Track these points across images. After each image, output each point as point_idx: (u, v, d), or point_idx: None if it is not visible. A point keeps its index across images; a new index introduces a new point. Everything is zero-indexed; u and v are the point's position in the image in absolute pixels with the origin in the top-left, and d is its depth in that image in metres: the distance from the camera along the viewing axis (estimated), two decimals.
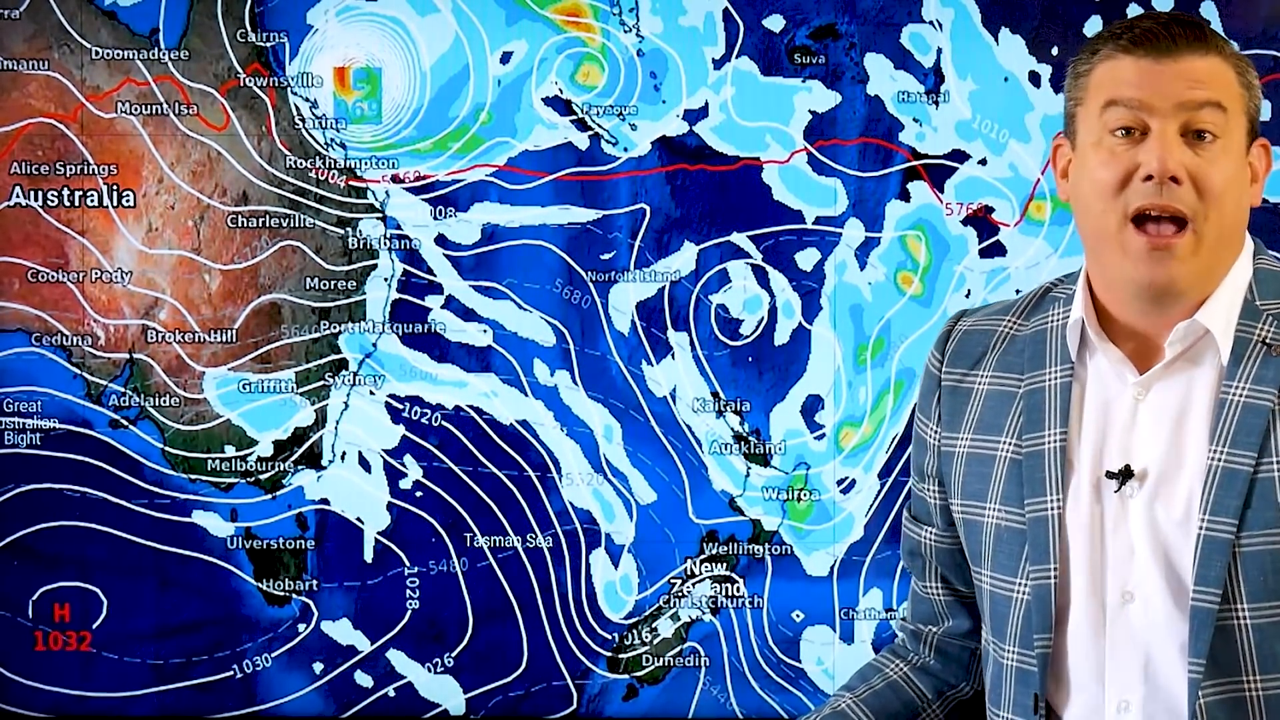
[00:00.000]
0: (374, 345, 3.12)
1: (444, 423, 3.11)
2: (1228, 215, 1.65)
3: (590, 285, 3.11)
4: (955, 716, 1.90)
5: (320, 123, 3.11)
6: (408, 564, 3.12)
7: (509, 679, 3.13)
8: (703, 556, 3.11)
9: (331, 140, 3.11)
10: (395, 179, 3.11)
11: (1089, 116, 1.69)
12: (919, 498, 1.89)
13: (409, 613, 3.13)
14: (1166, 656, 1.64)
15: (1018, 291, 3.05)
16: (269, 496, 3.12)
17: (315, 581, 3.13)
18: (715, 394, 3.11)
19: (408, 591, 3.13)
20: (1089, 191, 1.68)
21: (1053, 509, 1.69)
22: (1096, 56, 1.69)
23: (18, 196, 3.11)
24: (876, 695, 1.87)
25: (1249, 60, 1.69)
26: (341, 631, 3.13)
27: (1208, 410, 1.65)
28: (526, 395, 3.11)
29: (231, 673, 3.13)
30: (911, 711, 1.87)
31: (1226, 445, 1.63)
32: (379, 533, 3.12)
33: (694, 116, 3.09)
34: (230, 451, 3.12)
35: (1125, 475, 1.66)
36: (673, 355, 3.11)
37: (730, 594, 3.11)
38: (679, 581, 3.11)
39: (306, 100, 3.11)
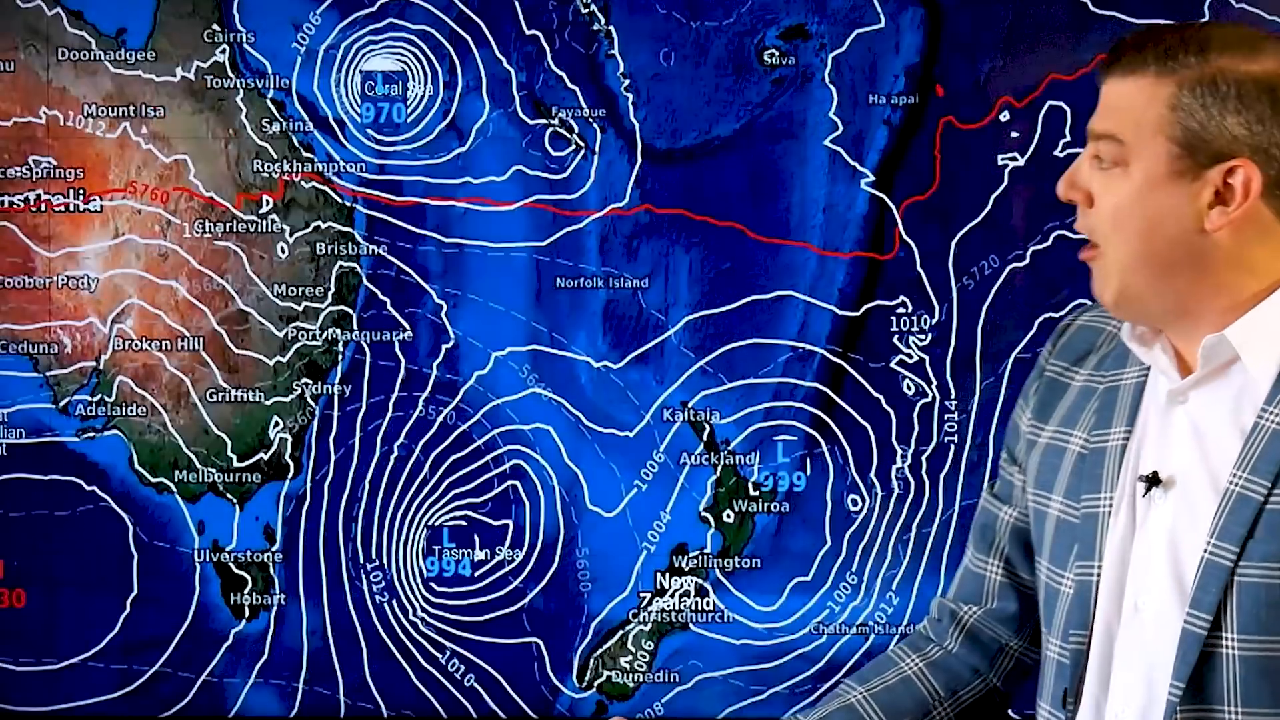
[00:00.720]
0: (346, 354, 3.09)
1: (416, 432, 3.09)
2: (1133, 238, 1.64)
3: (563, 292, 3.07)
4: (966, 717, 1.90)
5: (290, 126, 3.08)
6: (376, 576, 3.11)
7: (478, 693, 3.11)
8: (673, 569, 3.09)
9: (302, 143, 3.08)
10: (368, 183, 3.08)
11: None
12: (1005, 479, 1.91)
13: (378, 625, 3.11)
14: (1164, 673, 1.63)
15: None
16: (238, 508, 3.10)
17: (284, 595, 3.11)
18: (685, 403, 3.08)
19: (377, 601, 3.11)
20: None
21: (1105, 506, 1.70)
22: None
23: None
24: (889, 691, 1.88)
25: (1229, 75, 1.61)
26: (311, 644, 3.11)
27: (1241, 431, 1.63)
28: (498, 404, 3.08)
29: (199, 686, 3.12)
30: (922, 710, 1.88)
31: (1247, 470, 1.60)
32: (348, 544, 3.10)
33: (663, 122, 3.05)
34: (199, 463, 3.10)
35: (1152, 481, 1.66)
36: (644, 363, 3.08)
37: (700, 608, 3.09)
38: (649, 595, 3.10)
39: (276, 103, 3.07)
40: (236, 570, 3.11)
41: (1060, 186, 1.69)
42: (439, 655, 3.12)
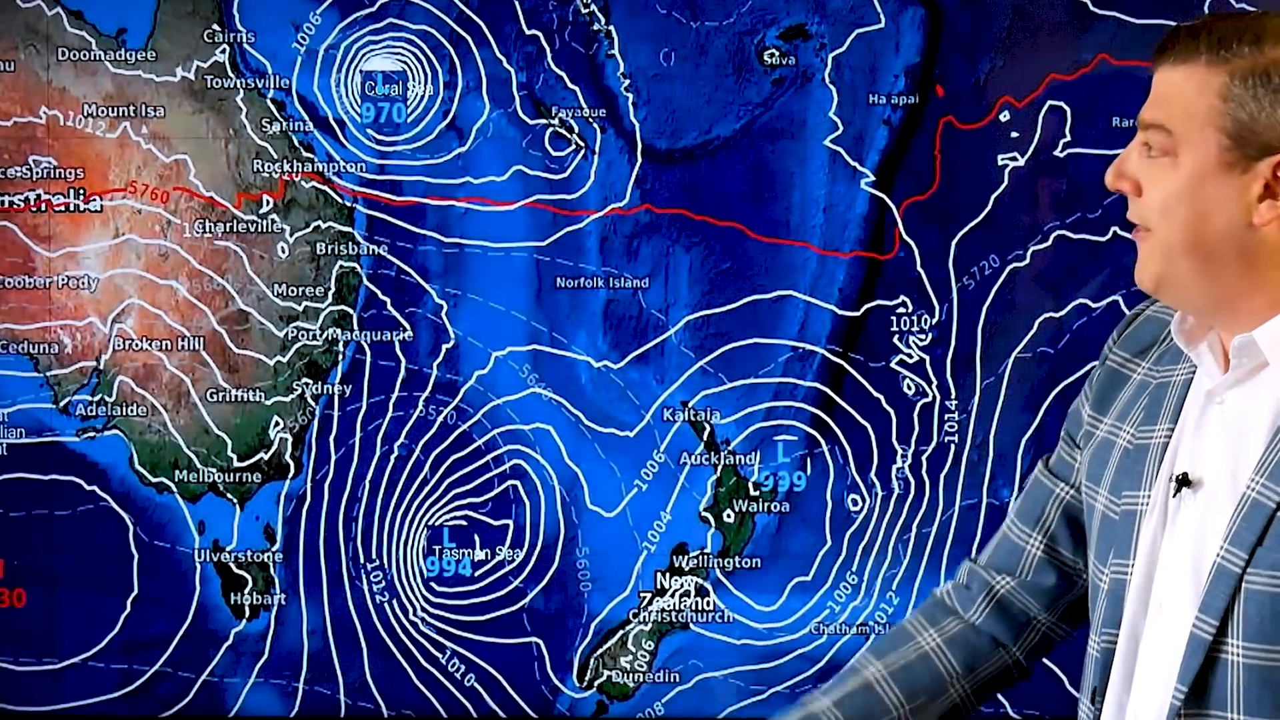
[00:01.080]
0: (346, 353, 3.08)
1: (416, 432, 3.08)
2: (1181, 227, 1.61)
3: (563, 292, 3.07)
4: (983, 695, 1.88)
5: (290, 125, 3.07)
6: (376, 576, 3.10)
7: (478, 693, 3.11)
8: (673, 569, 3.08)
9: (302, 143, 3.07)
10: (368, 183, 3.07)
11: None
12: (1063, 459, 1.89)
13: (378, 625, 3.10)
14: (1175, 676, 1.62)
15: None
16: (238, 508, 3.09)
17: (284, 595, 3.10)
18: (685, 403, 3.07)
19: (377, 601, 3.10)
20: None
21: (1142, 505, 1.68)
22: None
23: None
24: (906, 669, 1.87)
25: (1275, 66, 1.58)
26: (311, 644, 3.11)
27: (1267, 435, 1.61)
28: (500, 403, 3.08)
29: (199, 686, 3.12)
30: (939, 687, 1.86)
31: (1265, 476, 1.58)
32: (348, 543, 3.10)
33: (663, 122, 3.05)
34: (199, 462, 3.09)
35: (1183, 482, 1.64)
36: (644, 363, 3.07)
37: (700, 607, 3.09)
38: (649, 595, 3.09)
39: (276, 103, 3.07)
40: (236, 570, 3.10)
41: (1109, 176, 1.66)
42: (439, 655, 3.11)
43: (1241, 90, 1.58)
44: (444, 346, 3.09)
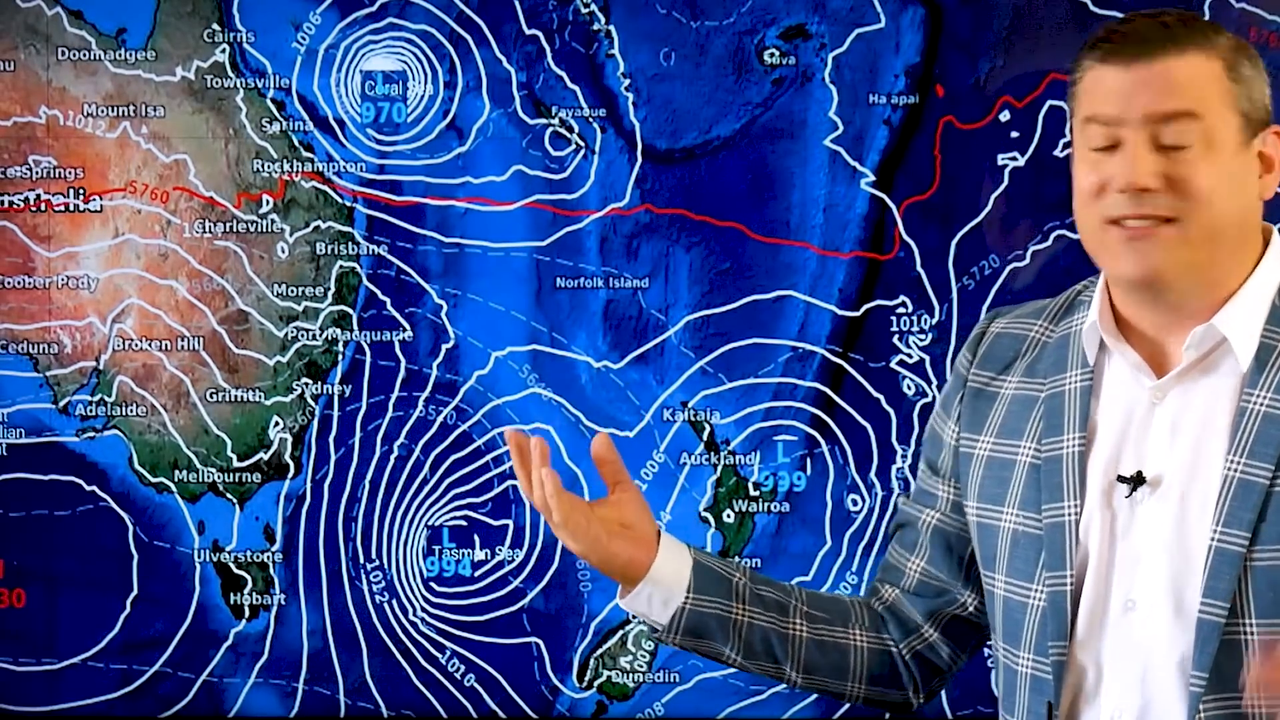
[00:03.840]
0: (346, 354, 3.08)
1: (416, 432, 3.08)
2: (1219, 213, 1.62)
3: (563, 292, 3.07)
4: (873, 678, 1.86)
5: (290, 125, 3.07)
6: (376, 576, 3.10)
7: (478, 693, 3.11)
8: None
9: (302, 143, 3.07)
10: (368, 183, 3.08)
11: (1076, 128, 1.68)
12: (926, 490, 1.88)
13: (378, 625, 3.10)
14: (1165, 668, 1.62)
15: None
16: (238, 508, 3.09)
17: (284, 595, 3.10)
18: (685, 403, 3.07)
19: (377, 601, 3.10)
20: (1076, 200, 1.68)
21: (1070, 514, 1.67)
22: (1082, 68, 1.68)
23: None
24: (819, 598, 1.87)
25: (1247, 48, 1.65)
26: (311, 644, 3.11)
27: (1228, 418, 1.63)
28: (498, 404, 3.08)
29: (199, 686, 3.11)
30: (842, 612, 1.87)
31: (1244, 456, 1.60)
32: (348, 543, 3.10)
33: (663, 122, 3.05)
34: (199, 463, 3.09)
35: (1137, 481, 1.64)
36: (644, 363, 3.07)
37: None
38: None
39: (276, 103, 3.07)
40: (236, 570, 3.10)
41: (1136, 177, 1.61)
42: (439, 655, 3.11)
43: (1245, 70, 1.63)
44: (444, 346, 3.09)
